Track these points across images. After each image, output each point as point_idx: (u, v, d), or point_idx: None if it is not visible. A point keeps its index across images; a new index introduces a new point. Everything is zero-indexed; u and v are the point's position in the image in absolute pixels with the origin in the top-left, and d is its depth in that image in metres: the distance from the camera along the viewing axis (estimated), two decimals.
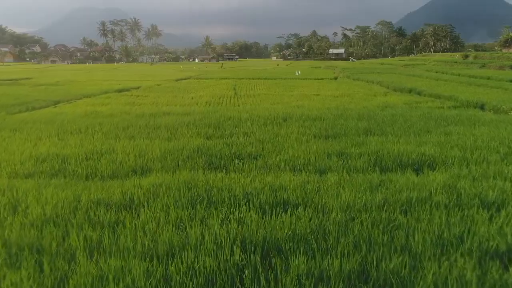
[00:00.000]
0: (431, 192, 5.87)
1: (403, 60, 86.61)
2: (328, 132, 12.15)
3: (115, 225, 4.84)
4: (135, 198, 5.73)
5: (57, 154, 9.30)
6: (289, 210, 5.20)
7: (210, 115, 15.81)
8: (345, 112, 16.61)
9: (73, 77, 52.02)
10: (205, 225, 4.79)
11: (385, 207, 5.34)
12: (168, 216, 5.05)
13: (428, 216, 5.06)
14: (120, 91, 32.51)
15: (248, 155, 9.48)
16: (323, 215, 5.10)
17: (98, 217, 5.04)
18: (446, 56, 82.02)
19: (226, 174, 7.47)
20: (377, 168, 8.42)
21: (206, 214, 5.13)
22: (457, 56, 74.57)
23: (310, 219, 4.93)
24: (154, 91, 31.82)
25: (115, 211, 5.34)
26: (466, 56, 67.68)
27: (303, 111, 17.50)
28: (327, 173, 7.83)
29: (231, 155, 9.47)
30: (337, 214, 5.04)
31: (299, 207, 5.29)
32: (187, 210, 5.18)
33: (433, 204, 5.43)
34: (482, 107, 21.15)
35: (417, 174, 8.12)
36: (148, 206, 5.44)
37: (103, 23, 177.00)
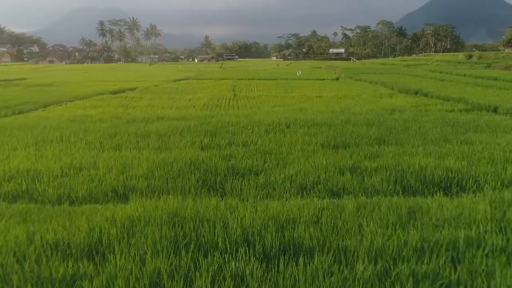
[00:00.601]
0: (479, 231, 4.65)
1: (405, 60, 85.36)
2: (336, 141, 10.92)
3: (70, 284, 3.63)
4: (104, 239, 4.51)
5: (28, 170, 8.08)
6: (301, 258, 3.98)
7: (206, 120, 14.58)
8: (352, 117, 15.38)
9: (69, 78, 50.77)
10: (190, 286, 3.57)
11: (426, 254, 4.13)
12: (143, 268, 3.84)
13: (485, 268, 3.86)
14: (114, 92, 31.28)
15: (248, 170, 8.27)
16: (346, 266, 3.89)
17: (51, 271, 3.83)
18: (448, 56, 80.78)
19: (222, 199, 6.25)
20: (398, 187, 7.22)
21: (192, 265, 3.91)
22: (460, 56, 73.36)
23: (331, 274, 3.72)
24: (151, 93, 30.63)
25: (75, 258, 4.12)
26: (470, 56, 66.43)
27: (307, 115, 16.28)
28: (342, 196, 6.63)
29: (228, 170, 8.25)
30: (365, 267, 3.83)
31: (314, 254, 4.07)
32: (168, 260, 3.96)
33: (487, 248, 4.22)
34: (495, 110, 19.94)
35: (447, 195, 6.93)
36: (119, 250, 4.23)
37: (101, 23, 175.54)
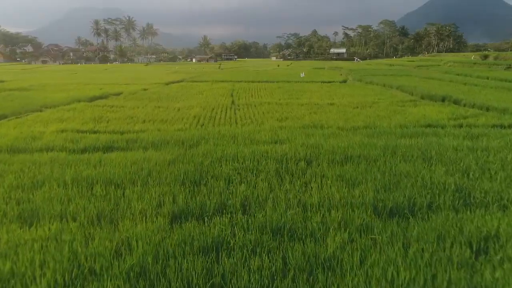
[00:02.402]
0: None
1: (413, 61, 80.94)
2: (395, 198, 6.63)
3: None
4: None
5: None
6: None
7: (191, 150, 10.30)
8: (392, 143, 11.14)
9: (53, 80, 46.49)
10: None
11: None
12: None
13: None
14: (95, 98, 27.14)
15: None
16: None
17: None
18: (459, 57, 76.46)
19: None
20: None
21: None
22: (473, 56, 69.06)
23: None
24: (136, 99, 26.42)
25: None
26: (486, 57, 62.19)
27: (328, 138, 12.04)
28: None
29: None
30: None
31: None
32: None
33: None
34: None
35: None
36: None
37: (96, 22, 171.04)
